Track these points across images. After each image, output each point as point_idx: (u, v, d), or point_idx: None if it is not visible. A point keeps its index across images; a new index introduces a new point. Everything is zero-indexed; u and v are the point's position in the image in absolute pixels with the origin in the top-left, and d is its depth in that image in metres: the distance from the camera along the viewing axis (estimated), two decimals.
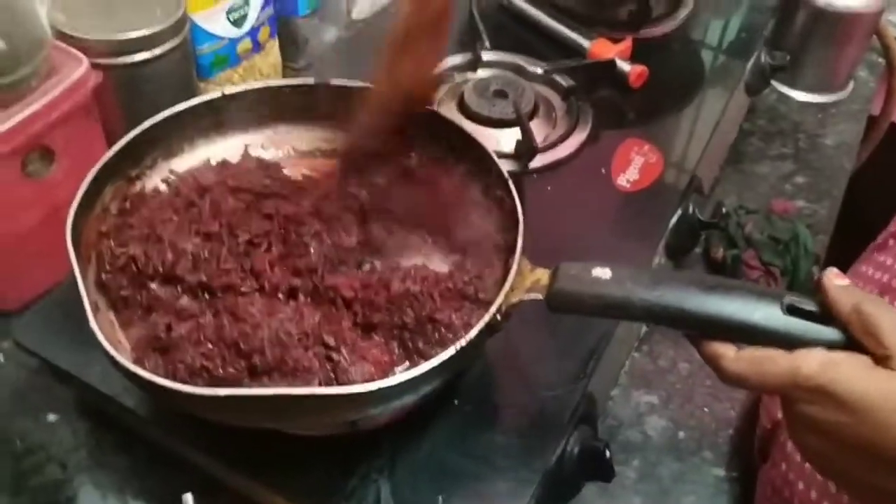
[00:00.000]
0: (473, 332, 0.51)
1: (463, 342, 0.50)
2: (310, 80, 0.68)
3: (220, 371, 0.52)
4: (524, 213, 0.57)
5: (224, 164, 0.66)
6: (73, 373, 0.60)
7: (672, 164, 0.82)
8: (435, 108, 0.70)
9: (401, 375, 0.48)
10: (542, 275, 0.54)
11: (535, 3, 0.98)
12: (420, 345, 0.56)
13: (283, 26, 0.99)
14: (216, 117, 0.66)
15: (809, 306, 0.48)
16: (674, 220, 0.78)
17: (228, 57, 0.89)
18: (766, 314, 0.48)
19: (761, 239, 0.86)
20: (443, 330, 0.56)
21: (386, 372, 0.55)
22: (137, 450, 0.66)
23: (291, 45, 1.02)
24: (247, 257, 0.58)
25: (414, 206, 0.64)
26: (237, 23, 0.87)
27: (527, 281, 0.54)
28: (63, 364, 0.60)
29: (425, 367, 0.49)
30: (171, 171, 0.64)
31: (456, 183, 0.65)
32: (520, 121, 0.76)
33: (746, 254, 0.86)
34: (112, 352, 0.48)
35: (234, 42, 0.88)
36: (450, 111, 0.79)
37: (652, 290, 0.50)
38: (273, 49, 0.96)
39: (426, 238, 0.64)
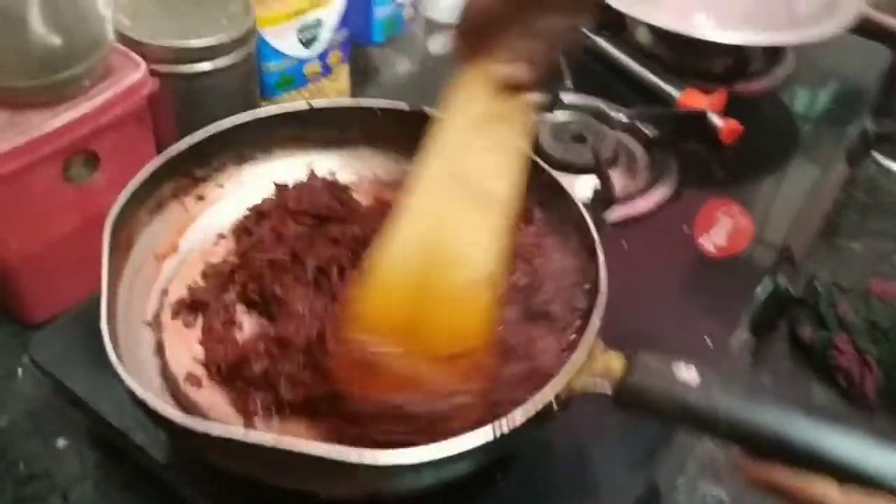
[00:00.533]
0: (519, 418, 0.41)
1: (504, 427, 0.41)
2: (403, 105, 0.63)
3: None
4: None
5: (284, 187, 0.61)
6: (85, 399, 0.55)
7: (762, 231, 0.75)
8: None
9: (425, 450, 0.40)
10: (616, 361, 0.46)
11: (622, 47, 0.92)
12: None
13: (356, 53, 0.95)
14: (298, 130, 0.63)
15: None
16: (760, 291, 0.70)
17: (294, 78, 0.85)
18: (885, 461, 0.40)
19: (857, 322, 0.77)
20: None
21: None
22: (146, 489, 0.60)
23: (362, 74, 0.98)
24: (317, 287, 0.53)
25: None
26: (307, 43, 0.83)
27: (596, 365, 0.46)
28: (75, 388, 0.55)
29: (449, 449, 0.40)
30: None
31: (530, 229, 0.59)
32: (599, 168, 0.70)
33: (838, 337, 0.77)
34: (126, 378, 0.43)
35: (302, 63, 0.84)
36: None
37: (745, 407, 0.43)
38: (342, 74, 0.92)
39: None
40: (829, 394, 0.75)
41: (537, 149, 0.77)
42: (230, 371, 0.49)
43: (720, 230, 0.73)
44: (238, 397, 0.48)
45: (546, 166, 0.59)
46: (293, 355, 0.48)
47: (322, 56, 0.86)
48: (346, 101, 0.63)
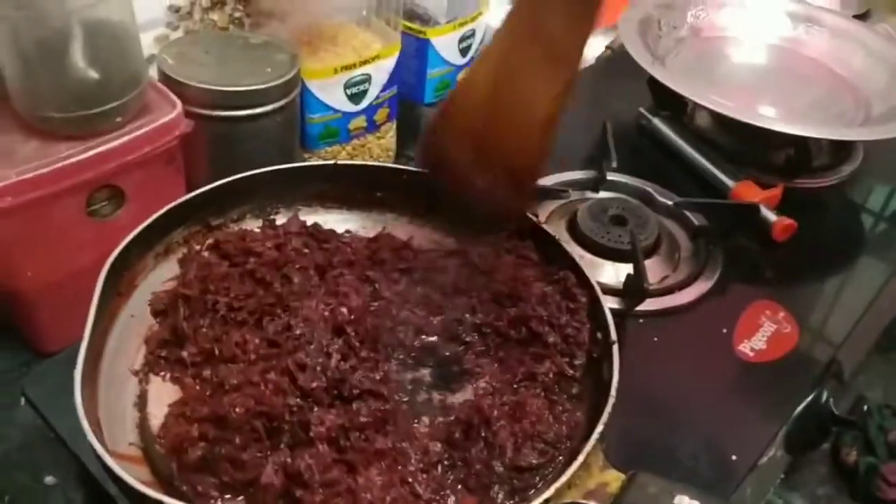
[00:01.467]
0: None
1: None
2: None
3: None
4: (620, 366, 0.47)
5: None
6: (66, 440, 0.53)
7: (809, 339, 0.69)
8: (541, 222, 0.61)
9: None
10: (613, 479, 0.43)
11: (679, 131, 0.88)
12: None
13: (406, 111, 0.94)
14: (321, 186, 0.62)
15: None
16: (801, 407, 0.64)
17: (339, 131, 0.84)
18: None
19: None
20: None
21: None
22: None
23: (410, 133, 0.97)
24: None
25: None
26: (354, 98, 0.82)
27: (592, 481, 0.43)
28: (59, 428, 0.54)
29: None
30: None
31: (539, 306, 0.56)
32: (634, 253, 0.66)
33: (886, 467, 0.71)
34: (87, 430, 0.41)
35: (347, 117, 0.83)
36: (557, 230, 0.69)
37: None
38: (389, 132, 0.91)
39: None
40: None
41: (573, 228, 0.73)
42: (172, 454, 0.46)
43: (762, 335, 0.67)
44: (186, 478, 0.45)
45: (571, 247, 0.56)
46: (231, 434, 0.45)
47: (369, 112, 0.85)
48: (374, 162, 0.61)
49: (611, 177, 0.81)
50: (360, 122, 0.85)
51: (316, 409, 0.47)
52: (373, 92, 0.84)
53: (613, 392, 0.46)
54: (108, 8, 0.59)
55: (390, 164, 0.64)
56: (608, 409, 0.45)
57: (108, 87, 0.60)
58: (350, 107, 0.83)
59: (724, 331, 0.68)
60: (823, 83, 0.96)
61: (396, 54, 0.84)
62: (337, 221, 0.63)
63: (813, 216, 0.81)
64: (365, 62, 0.80)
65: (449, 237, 0.64)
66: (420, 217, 0.64)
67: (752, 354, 0.66)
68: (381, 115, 0.87)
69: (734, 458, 0.58)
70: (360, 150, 0.88)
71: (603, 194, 0.79)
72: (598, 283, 0.56)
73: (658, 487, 0.41)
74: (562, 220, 0.75)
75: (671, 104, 0.90)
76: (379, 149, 0.90)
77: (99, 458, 0.41)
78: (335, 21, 0.81)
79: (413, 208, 0.64)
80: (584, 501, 0.42)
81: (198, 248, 0.57)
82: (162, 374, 0.52)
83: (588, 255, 0.71)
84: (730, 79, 0.97)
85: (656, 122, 0.90)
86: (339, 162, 0.64)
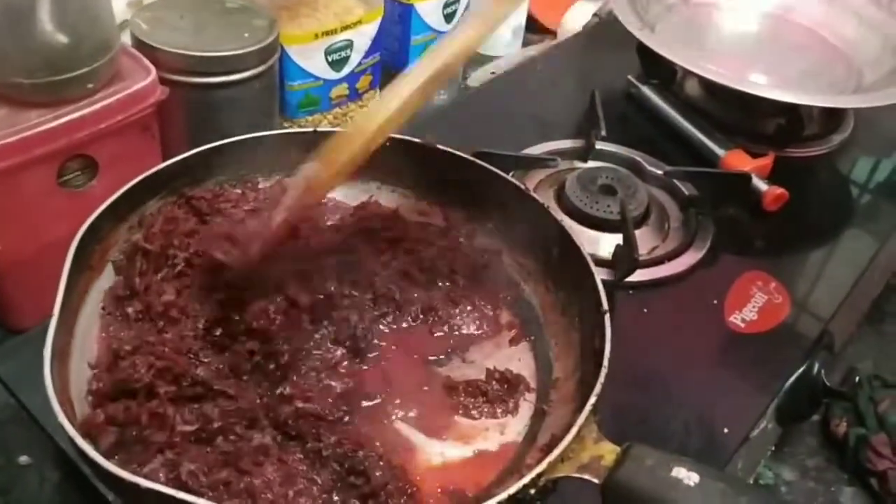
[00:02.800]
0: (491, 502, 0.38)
1: None
2: (415, 139, 0.60)
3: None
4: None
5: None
6: (39, 420, 0.51)
7: (799, 310, 0.68)
8: (529, 190, 0.60)
9: None
10: (608, 452, 0.42)
11: (669, 99, 0.86)
12: None
13: (389, 79, 0.91)
14: (301, 155, 0.58)
15: None
16: (792, 378, 0.64)
17: (320, 99, 0.81)
18: None
19: None
20: None
21: None
22: None
23: None
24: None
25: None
26: (336, 64, 0.80)
27: (586, 454, 0.42)
28: (31, 406, 0.51)
29: None
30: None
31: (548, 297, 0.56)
32: (624, 224, 0.64)
33: (877, 438, 0.70)
34: (61, 416, 0.39)
35: (329, 84, 0.81)
36: (545, 200, 0.67)
37: None
38: (372, 101, 0.88)
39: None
40: (860, 497, 0.68)
41: (561, 198, 0.72)
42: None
43: (753, 306, 0.66)
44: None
45: (561, 216, 0.55)
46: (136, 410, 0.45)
47: (351, 79, 0.82)
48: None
49: (599, 146, 0.79)
50: (342, 90, 0.83)
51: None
52: (355, 58, 0.81)
53: (606, 363, 0.45)
54: None
55: None
56: (601, 379, 0.44)
57: (77, 51, 0.58)
58: (331, 74, 0.80)
59: (715, 302, 0.67)
60: (815, 52, 0.94)
61: (379, 20, 0.81)
62: None
63: (804, 186, 0.80)
64: (346, 27, 0.77)
65: (435, 206, 0.62)
66: (408, 187, 0.63)
67: (743, 325, 0.65)
68: (363, 82, 0.85)
69: (726, 430, 0.58)
70: (342, 119, 0.86)
71: (591, 164, 0.77)
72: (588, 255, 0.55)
73: (654, 459, 0.40)
74: (550, 189, 0.73)
75: (660, 72, 0.88)
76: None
77: (70, 438, 0.39)
78: None
79: (399, 177, 0.63)
80: (578, 475, 0.41)
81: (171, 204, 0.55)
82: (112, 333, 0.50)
83: (576, 226, 0.69)
84: (720, 46, 0.95)
85: (645, 90, 0.88)
86: (320, 129, 0.61)
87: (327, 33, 0.77)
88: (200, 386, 0.46)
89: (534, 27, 1.13)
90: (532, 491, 0.39)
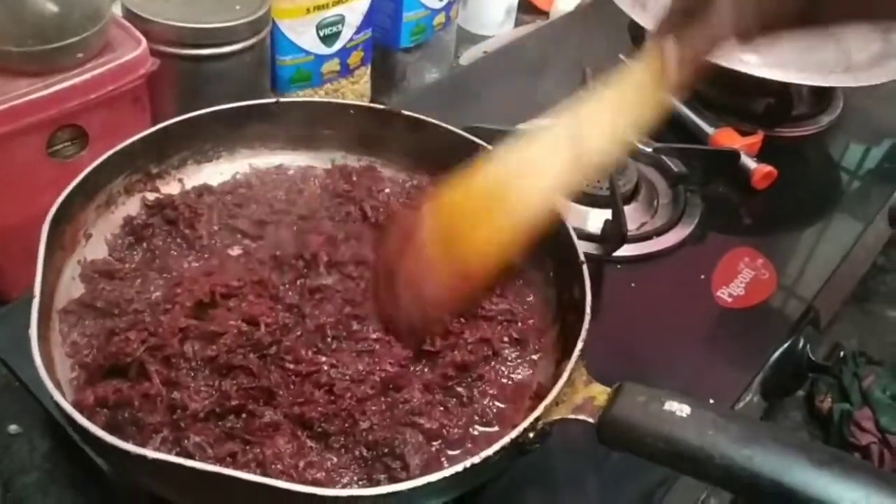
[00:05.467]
0: (492, 449, 0.40)
1: (476, 459, 0.40)
2: (379, 105, 0.60)
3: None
4: (595, 308, 0.46)
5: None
6: (29, 386, 0.51)
7: (786, 287, 0.69)
8: None
9: (389, 486, 0.40)
10: (600, 393, 0.43)
11: None
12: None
13: (381, 56, 0.91)
14: (263, 127, 0.60)
15: None
16: (778, 353, 0.65)
17: (312, 75, 0.81)
18: None
19: (883, 399, 0.71)
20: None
21: None
22: (89, 490, 0.56)
23: (385, 78, 0.94)
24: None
25: None
26: (327, 40, 0.80)
27: (578, 396, 0.43)
28: (23, 375, 0.52)
29: (420, 481, 0.39)
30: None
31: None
32: (613, 199, 0.65)
33: (859, 412, 0.71)
34: (51, 387, 0.40)
35: (320, 59, 0.80)
36: None
37: (741, 448, 0.38)
38: (363, 77, 0.88)
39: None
40: None
41: None
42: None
43: (740, 282, 0.67)
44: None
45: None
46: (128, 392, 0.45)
47: (342, 55, 0.82)
48: (319, 98, 0.62)
49: None
50: (334, 65, 0.82)
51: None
52: (346, 34, 0.81)
53: (588, 309, 0.46)
54: None
55: (337, 100, 0.63)
56: (585, 325, 0.45)
57: (68, 20, 0.58)
58: (323, 49, 0.80)
59: (703, 277, 0.68)
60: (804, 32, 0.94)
61: None
62: (283, 162, 0.61)
63: (792, 165, 0.81)
64: (339, 2, 0.77)
65: (402, 173, 0.62)
66: (373, 154, 0.63)
67: (730, 300, 0.66)
68: (354, 58, 0.84)
69: (711, 402, 0.58)
70: (333, 95, 0.85)
71: None
72: (575, 229, 0.55)
73: (646, 396, 0.41)
74: None
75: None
76: (353, 94, 0.87)
77: (59, 406, 0.39)
78: None
79: (363, 144, 0.63)
80: (573, 416, 0.42)
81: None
82: None
83: (565, 200, 0.69)
84: None
85: None
86: (282, 100, 0.61)
87: (319, 7, 0.76)
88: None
89: (527, 7, 1.13)
90: (531, 435, 0.41)
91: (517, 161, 0.47)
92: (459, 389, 0.48)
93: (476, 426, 0.47)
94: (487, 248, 0.44)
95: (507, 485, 0.51)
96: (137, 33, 0.64)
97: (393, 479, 0.43)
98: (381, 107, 0.60)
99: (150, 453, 0.38)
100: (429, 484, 0.39)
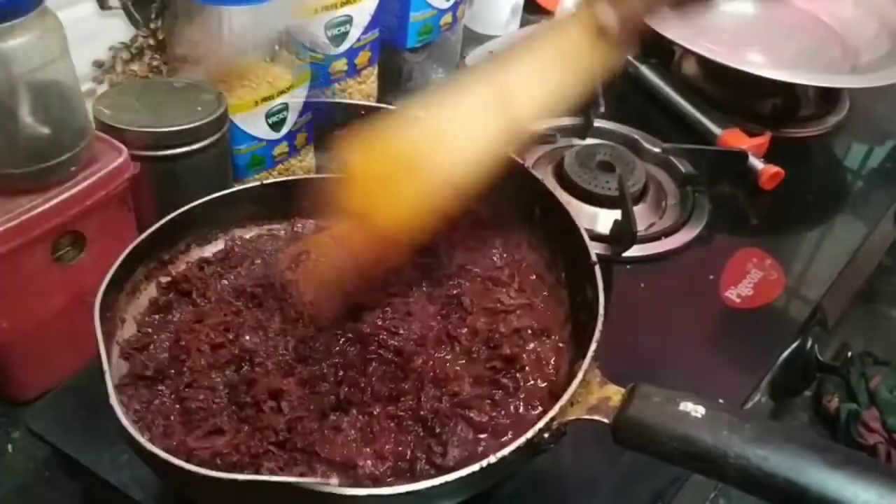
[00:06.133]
0: (507, 449, 0.40)
1: (493, 458, 0.40)
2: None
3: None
4: (605, 308, 0.47)
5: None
6: (82, 462, 0.54)
7: (794, 287, 0.70)
8: (528, 166, 0.60)
9: (403, 486, 0.40)
10: (614, 394, 0.43)
11: (666, 78, 0.87)
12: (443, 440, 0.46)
13: (387, 56, 0.92)
14: (251, 207, 0.66)
15: None
16: (786, 353, 0.65)
17: (265, 158, 0.84)
18: None
19: (890, 399, 0.71)
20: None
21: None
22: None
23: (391, 79, 0.95)
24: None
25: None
26: (275, 126, 0.83)
27: (593, 397, 0.43)
28: (72, 452, 0.55)
29: (437, 481, 0.39)
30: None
31: (531, 254, 0.57)
32: (622, 199, 0.65)
33: (867, 412, 0.72)
34: (130, 429, 0.43)
35: (271, 144, 0.83)
36: (544, 176, 0.68)
37: (756, 448, 0.38)
38: (370, 77, 0.89)
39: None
40: None
41: (561, 174, 0.72)
42: None
43: (748, 282, 0.67)
44: None
45: (555, 191, 0.56)
46: None
47: (289, 137, 0.84)
48: (296, 176, 0.71)
49: (598, 123, 0.80)
50: (283, 147, 0.83)
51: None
52: (290, 119, 0.83)
53: (601, 310, 0.46)
54: (54, 69, 0.62)
55: (310, 176, 0.72)
56: (599, 326, 0.45)
57: (59, 140, 0.64)
58: (272, 135, 0.83)
59: (711, 277, 0.68)
60: (811, 33, 0.95)
61: (307, 83, 0.82)
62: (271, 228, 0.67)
63: (799, 166, 0.81)
64: (281, 92, 0.80)
65: None
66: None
67: (738, 301, 0.66)
68: (362, 58, 0.85)
69: (720, 402, 0.58)
70: (341, 95, 0.86)
71: (590, 141, 0.78)
72: (586, 230, 0.55)
73: (661, 396, 0.41)
74: (549, 165, 0.74)
75: (659, 51, 0.89)
76: (360, 94, 0.88)
77: (149, 452, 0.42)
78: (247, 59, 0.80)
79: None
80: (588, 416, 0.42)
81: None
82: None
83: (575, 201, 0.70)
84: (718, 27, 0.96)
85: (643, 69, 0.89)
86: (266, 182, 0.68)
87: (265, 99, 0.79)
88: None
89: (532, 7, 1.13)
90: (546, 435, 0.41)
91: (438, 128, 0.49)
92: (505, 381, 0.49)
93: (531, 410, 0.48)
94: (406, 212, 0.47)
95: (519, 485, 0.51)
96: (117, 143, 0.69)
97: (429, 462, 0.44)
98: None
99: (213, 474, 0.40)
100: (444, 483, 0.39)
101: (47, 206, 0.63)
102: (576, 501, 0.52)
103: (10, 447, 0.66)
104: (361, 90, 0.88)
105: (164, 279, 0.61)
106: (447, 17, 0.94)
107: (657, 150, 0.78)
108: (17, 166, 0.63)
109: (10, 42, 0.59)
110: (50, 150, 0.64)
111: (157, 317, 0.59)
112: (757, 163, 0.77)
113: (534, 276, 0.56)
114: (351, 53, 0.83)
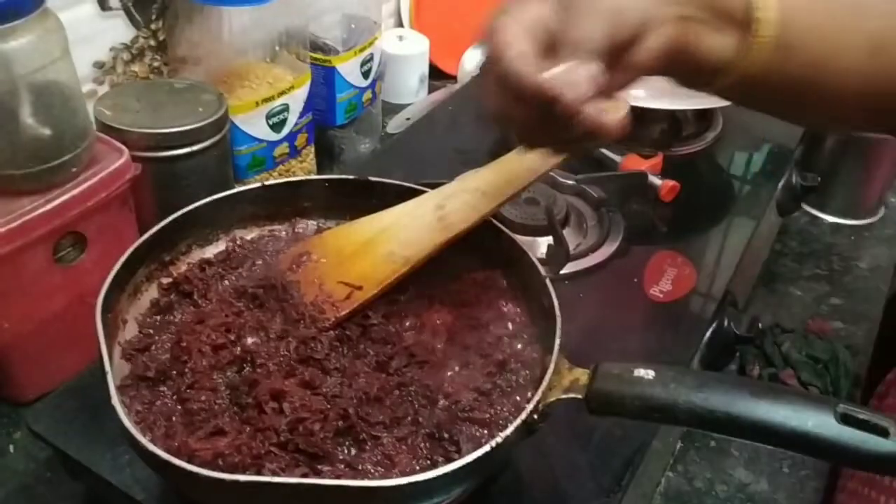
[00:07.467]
0: (509, 430, 0.48)
1: (499, 439, 0.48)
2: (350, 176, 0.69)
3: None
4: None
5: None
6: (84, 462, 0.56)
7: (706, 278, 0.81)
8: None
9: (431, 472, 0.46)
10: (581, 374, 0.52)
11: None
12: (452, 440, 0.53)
13: (321, 134, 1.01)
14: (252, 208, 0.66)
15: (864, 415, 0.45)
16: (709, 332, 0.76)
17: (265, 159, 0.90)
18: (819, 422, 0.45)
19: (800, 358, 0.83)
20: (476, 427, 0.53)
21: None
22: None
23: (325, 154, 1.04)
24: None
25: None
26: (276, 127, 0.89)
27: (565, 380, 0.52)
28: (73, 453, 0.56)
29: (459, 463, 0.46)
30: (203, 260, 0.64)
31: (484, 284, 0.65)
32: (552, 226, 0.76)
33: (784, 373, 0.83)
34: (132, 430, 0.45)
35: (272, 145, 0.89)
36: None
37: (697, 393, 0.48)
38: (309, 156, 0.98)
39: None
40: None
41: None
42: None
43: (667, 280, 0.79)
44: None
45: (503, 227, 0.65)
46: None
47: (290, 138, 0.91)
48: (296, 177, 0.71)
49: None
50: (284, 148, 0.91)
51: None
52: (291, 120, 0.90)
53: (558, 312, 0.55)
54: (55, 70, 0.62)
55: (313, 177, 0.73)
56: (558, 325, 0.54)
57: (61, 141, 0.64)
58: (273, 136, 0.89)
59: (636, 280, 0.78)
60: None
61: (308, 83, 0.91)
62: (271, 229, 0.68)
63: (689, 177, 0.93)
64: (282, 93, 0.87)
65: None
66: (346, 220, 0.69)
67: (661, 296, 0.77)
68: (300, 140, 0.94)
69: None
70: (285, 175, 0.94)
71: None
72: None
73: (619, 368, 0.50)
74: None
75: None
76: (302, 171, 0.96)
77: (151, 453, 0.44)
78: (247, 60, 0.87)
79: (339, 212, 0.69)
80: (565, 395, 0.51)
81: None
82: None
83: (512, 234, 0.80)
84: None
85: None
86: (267, 183, 0.67)
87: (266, 100, 0.85)
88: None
89: (436, 74, 1.25)
90: (535, 416, 0.49)
91: (389, 220, 0.62)
92: (500, 382, 0.56)
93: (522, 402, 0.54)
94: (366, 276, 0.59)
95: (512, 480, 0.59)
96: (118, 144, 0.70)
97: (448, 461, 0.49)
98: (351, 177, 0.69)
99: (227, 477, 0.43)
100: (454, 471, 0.45)
101: (48, 207, 0.62)
102: (565, 480, 0.60)
103: (11, 448, 0.67)
104: (303, 168, 0.96)
105: (166, 280, 0.60)
106: (368, 94, 1.04)
107: (571, 182, 0.89)
108: (19, 167, 0.62)
109: (11, 43, 0.57)
110: (51, 152, 0.63)
111: (158, 318, 0.58)
112: (655, 180, 0.89)
113: (494, 293, 0.63)
114: (291, 137, 0.91)
